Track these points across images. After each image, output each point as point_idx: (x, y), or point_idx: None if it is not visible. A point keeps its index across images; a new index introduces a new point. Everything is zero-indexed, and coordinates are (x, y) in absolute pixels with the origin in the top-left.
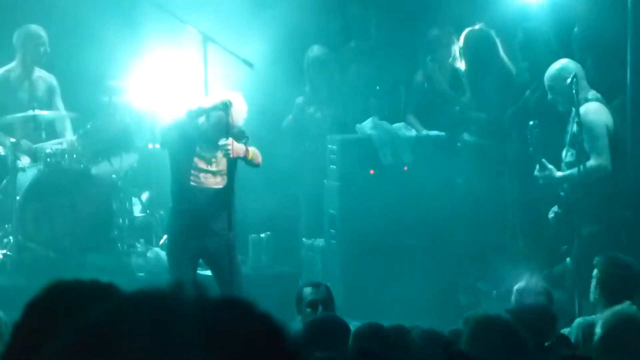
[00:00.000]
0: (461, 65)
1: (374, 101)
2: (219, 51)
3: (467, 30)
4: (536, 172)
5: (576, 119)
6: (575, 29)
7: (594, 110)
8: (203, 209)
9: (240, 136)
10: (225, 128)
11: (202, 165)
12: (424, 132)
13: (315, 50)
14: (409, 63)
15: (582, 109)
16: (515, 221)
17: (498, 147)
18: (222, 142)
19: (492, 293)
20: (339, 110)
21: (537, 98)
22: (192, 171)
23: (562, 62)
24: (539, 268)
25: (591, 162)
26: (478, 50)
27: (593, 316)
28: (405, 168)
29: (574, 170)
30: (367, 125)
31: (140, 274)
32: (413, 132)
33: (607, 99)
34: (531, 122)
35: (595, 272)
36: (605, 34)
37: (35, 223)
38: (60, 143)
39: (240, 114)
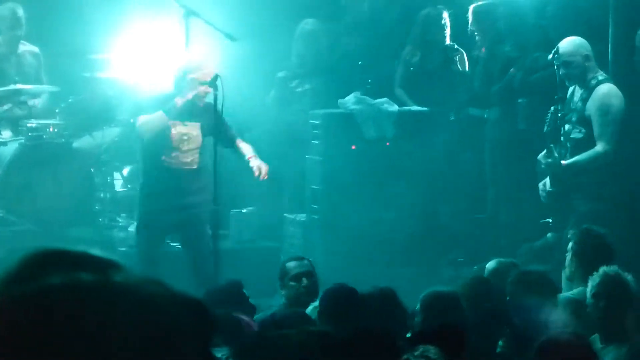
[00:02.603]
0: (476, 39)
1: (357, 76)
2: (202, 25)
3: (473, 5)
4: (540, 156)
5: (557, 95)
6: (549, 8)
7: (609, 94)
8: (174, 189)
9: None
10: (212, 105)
11: (175, 144)
12: (413, 106)
13: (310, 23)
14: (403, 38)
15: (600, 90)
16: (498, 196)
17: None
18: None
19: (473, 268)
20: (321, 84)
21: (522, 75)
22: (165, 150)
23: (577, 39)
24: (520, 242)
25: (597, 149)
26: (490, 22)
27: (574, 291)
28: (388, 143)
29: (577, 158)
30: (349, 100)
31: (122, 248)
32: (395, 107)
33: None
34: (552, 107)
35: (570, 245)
36: (586, 9)
37: (17, 197)
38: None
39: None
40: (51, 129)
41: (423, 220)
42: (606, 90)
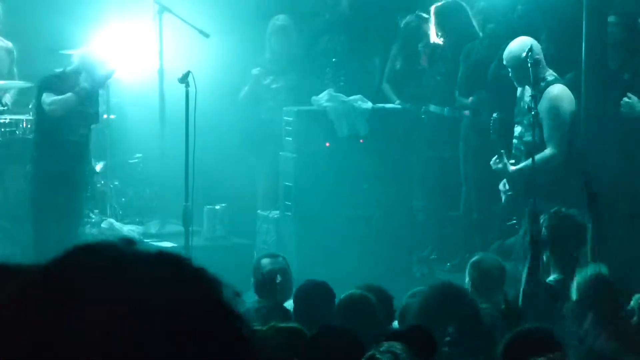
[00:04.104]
0: (438, 40)
1: (330, 73)
2: (176, 21)
3: (435, 5)
4: (492, 162)
5: (531, 93)
6: (519, 7)
7: (559, 97)
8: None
9: None
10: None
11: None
12: (391, 103)
13: (281, 19)
14: (381, 36)
15: (550, 93)
16: (470, 194)
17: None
18: None
19: (446, 265)
20: (295, 81)
21: (495, 66)
22: (73, 127)
23: (522, 40)
24: (492, 241)
25: (547, 152)
26: (452, 21)
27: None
28: (361, 141)
29: (527, 163)
30: (322, 98)
31: None
32: (369, 105)
33: (561, 73)
34: (495, 114)
35: (543, 231)
36: (560, 6)
37: None
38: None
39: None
40: (24, 125)
41: (396, 217)
42: (556, 92)
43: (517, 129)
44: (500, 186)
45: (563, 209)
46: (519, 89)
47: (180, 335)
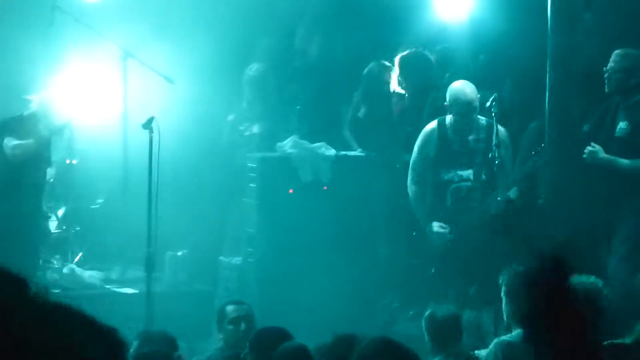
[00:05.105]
0: (400, 89)
1: (295, 120)
2: (141, 66)
3: (400, 55)
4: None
5: (495, 141)
6: (481, 56)
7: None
8: None
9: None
10: None
11: None
12: (352, 151)
13: (254, 69)
14: (349, 83)
15: (502, 133)
16: None
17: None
18: None
19: (409, 313)
20: (269, 128)
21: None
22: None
23: (469, 85)
24: (459, 289)
25: None
26: (416, 71)
27: (510, 335)
28: (325, 188)
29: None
30: (287, 144)
31: (56, 290)
32: (332, 151)
33: (525, 122)
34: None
35: (503, 289)
36: (524, 56)
37: None
38: None
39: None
40: None
41: (360, 265)
42: (506, 133)
43: (465, 172)
44: (435, 227)
45: (520, 267)
46: (435, 135)
47: None
